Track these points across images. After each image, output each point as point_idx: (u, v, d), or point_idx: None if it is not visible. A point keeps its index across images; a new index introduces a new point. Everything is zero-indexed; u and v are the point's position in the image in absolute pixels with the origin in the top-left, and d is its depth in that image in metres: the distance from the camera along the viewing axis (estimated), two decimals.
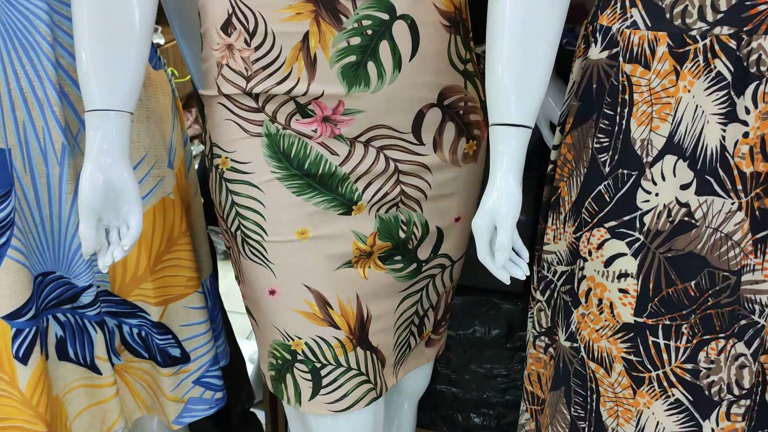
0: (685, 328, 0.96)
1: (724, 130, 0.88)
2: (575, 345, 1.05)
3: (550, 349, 1.16)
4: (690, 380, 0.98)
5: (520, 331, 1.56)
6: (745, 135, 0.88)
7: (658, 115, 0.91)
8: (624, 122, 0.93)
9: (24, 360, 1.10)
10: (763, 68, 0.86)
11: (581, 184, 0.99)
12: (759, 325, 0.96)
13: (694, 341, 0.97)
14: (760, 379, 1.02)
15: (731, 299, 0.94)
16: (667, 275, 0.95)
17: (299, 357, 1.12)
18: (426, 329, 1.27)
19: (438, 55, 1.03)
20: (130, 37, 0.96)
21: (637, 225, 0.95)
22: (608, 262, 0.98)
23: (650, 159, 0.92)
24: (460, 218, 1.18)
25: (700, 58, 0.87)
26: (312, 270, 1.08)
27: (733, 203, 0.91)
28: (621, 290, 0.98)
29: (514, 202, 0.93)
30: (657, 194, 0.93)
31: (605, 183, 0.96)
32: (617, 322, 0.99)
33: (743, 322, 0.96)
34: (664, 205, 0.93)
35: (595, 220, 0.98)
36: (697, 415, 1.00)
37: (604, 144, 0.95)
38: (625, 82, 0.92)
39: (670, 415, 1.01)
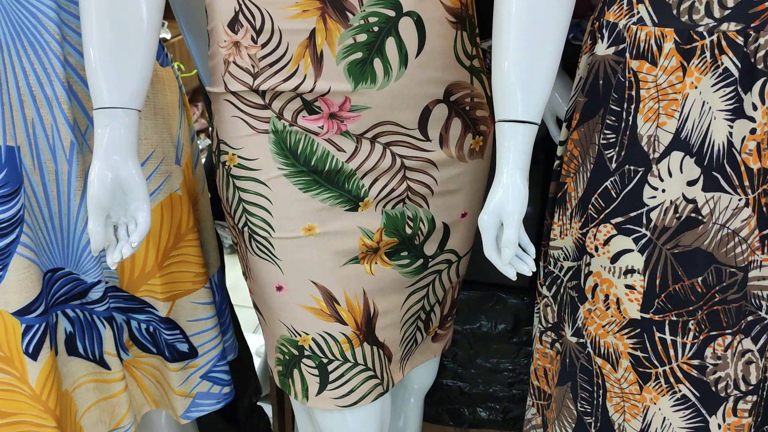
0: (692, 324, 0.96)
1: (731, 127, 0.88)
2: (582, 340, 1.05)
3: (557, 345, 1.16)
4: (697, 376, 0.99)
5: (527, 325, 1.56)
6: (753, 131, 0.88)
7: (665, 111, 0.90)
8: (630, 118, 0.93)
9: (34, 356, 1.10)
10: None
11: (588, 180, 0.99)
12: (766, 321, 0.96)
13: (701, 337, 0.97)
14: (767, 374, 1.02)
15: (738, 295, 0.94)
16: (674, 271, 0.95)
17: (306, 352, 1.13)
18: (432, 324, 1.28)
19: (444, 52, 1.03)
20: (138, 34, 0.96)
21: (644, 221, 0.95)
22: (615, 258, 0.98)
23: (657, 155, 0.92)
24: (467, 214, 1.18)
25: (707, 54, 0.87)
26: (319, 266, 1.09)
27: (740, 199, 0.91)
28: (627, 286, 0.98)
29: (520, 199, 0.93)
30: (664, 190, 0.93)
31: (612, 179, 0.96)
32: (624, 318, 0.99)
33: (750, 318, 0.96)
34: (671, 201, 0.93)
35: (601, 216, 0.98)
36: (703, 411, 1.00)
37: (611, 140, 0.95)
38: (632, 79, 0.92)
39: (677, 411, 1.01)
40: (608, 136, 0.95)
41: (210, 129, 1.12)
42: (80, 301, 1.18)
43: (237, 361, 1.52)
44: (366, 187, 1.07)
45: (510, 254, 0.95)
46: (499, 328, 1.58)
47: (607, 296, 1.00)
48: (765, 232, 0.92)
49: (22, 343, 1.10)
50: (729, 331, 0.96)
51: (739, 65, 0.86)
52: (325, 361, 1.12)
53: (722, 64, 0.86)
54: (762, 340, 0.96)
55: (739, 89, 0.87)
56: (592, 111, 0.98)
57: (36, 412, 1.13)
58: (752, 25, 0.85)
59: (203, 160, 1.45)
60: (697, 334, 0.97)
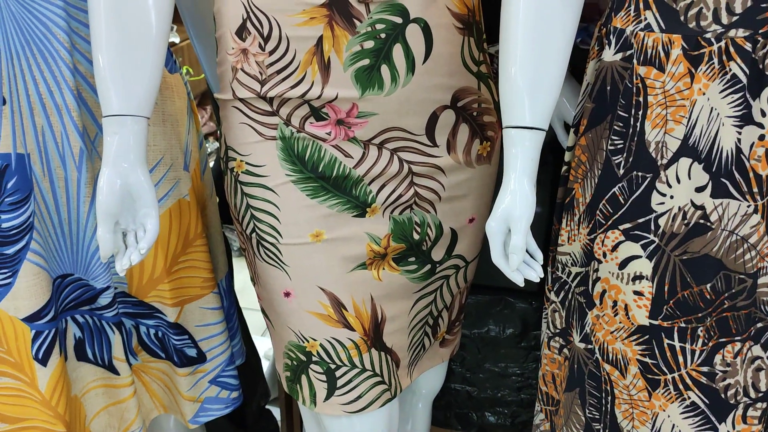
0: (701, 331, 0.96)
1: (740, 133, 0.88)
2: (590, 346, 1.05)
3: (565, 350, 1.16)
4: (706, 383, 0.98)
5: (535, 329, 1.56)
6: (761, 137, 0.88)
7: (673, 117, 0.90)
8: (638, 124, 0.92)
9: (43, 361, 1.11)
10: None
11: (595, 186, 0.99)
12: None
13: (710, 344, 0.96)
14: None
15: (747, 302, 0.94)
16: (683, 278, 0.95)
17: (314, 358, 1.13)
18: (440, 330, 1.28)
19: (451, 58, 1.03)
20: (147, 42, 0.96)
21: (652, 227, 0.94)
22: (623, 265, 0.98)
23: (665, 161, 0.92)
24: (474, 219, 1.18)
25: (715, 60, 0.87)
26: (326, 272, 1.09)
27: (749, 206, 0.90)
28: (636, 292, 0.97)
29: (527, 205, 0.93)
30: (672, 197, 0.93)
31: (619, 185, 0.96)
32: (632, 324, 0.99)
33: (759, 324, 0.96)
34: (679, 207, 0.93)
35: (609, 222, 0.97)
36: (713, 418, 0.99)
37: (618, 146, 0.95)
38: (639, 85, 0.91)
39: (686, 418, 1.00)
40: (616, 142, 0.95)
41: (218, 134, 1.13)
42: (89, 306, 1.19)
43: (245, 364, 1.52)
44: (373, 193, 1.07)
45: (518, 260, 0.94)
46: (508, 333, 1.58)
47: (615, 302, 1.00)
48: None
49: (31, 349, 1.10)
50: (738, 338, 0.95)
51: (748, 72, 0.85)
52: (333, 367, 1.13)
53: (730, 70, 0.86)
54: None
55: (748, 96, 0.86)
56: (600, 117, 0.98)
57: (46, 418, 1.13)
58: (760, 31, 0.84)
59: (212, 164, 1.45)
60: (706, 340, 0.96)
